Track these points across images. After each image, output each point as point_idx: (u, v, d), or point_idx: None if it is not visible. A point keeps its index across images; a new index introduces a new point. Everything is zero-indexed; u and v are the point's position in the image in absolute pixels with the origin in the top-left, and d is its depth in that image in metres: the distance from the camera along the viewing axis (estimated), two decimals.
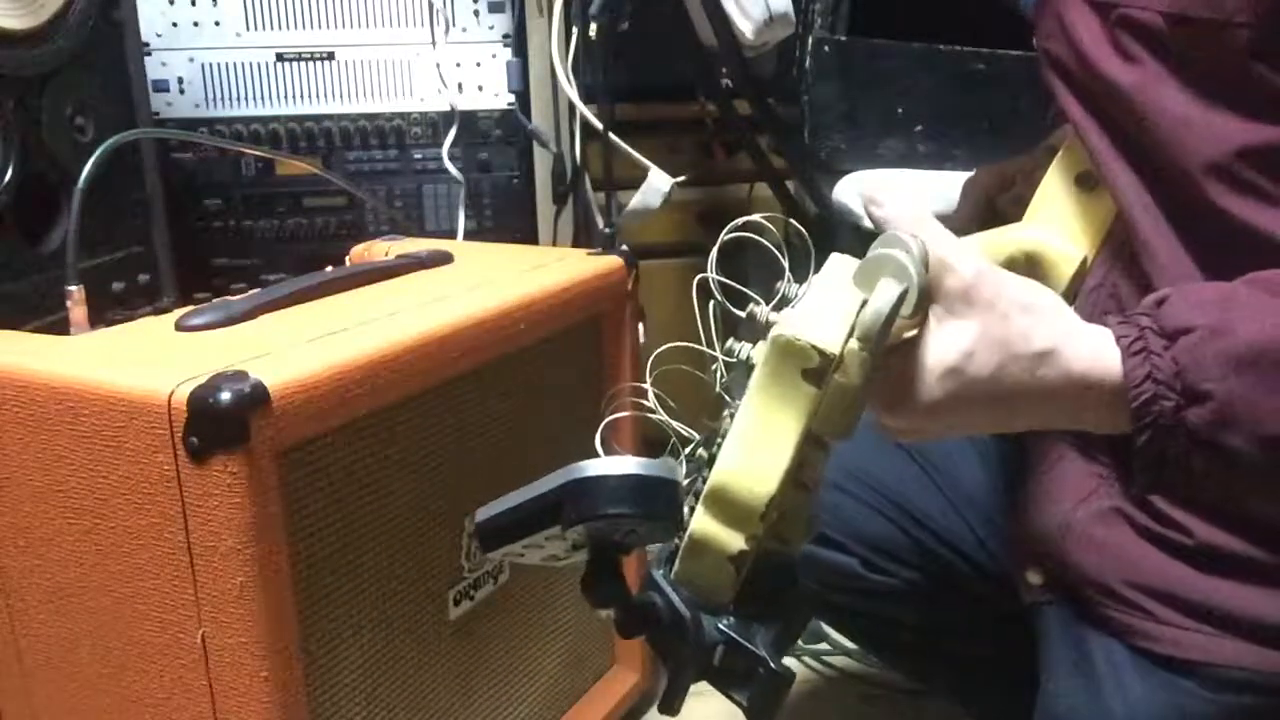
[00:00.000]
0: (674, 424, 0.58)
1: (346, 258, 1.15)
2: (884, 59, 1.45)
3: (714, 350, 0.58)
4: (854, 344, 0.52)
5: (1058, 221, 0.76)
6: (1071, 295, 0.75)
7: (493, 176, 1.54)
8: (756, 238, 0.62)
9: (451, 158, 1.49)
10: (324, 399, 0.75)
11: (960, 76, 1.41)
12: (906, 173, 1.43)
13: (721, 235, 0.61)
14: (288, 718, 0.75)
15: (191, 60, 1.48)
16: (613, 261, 1.09)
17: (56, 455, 0.75)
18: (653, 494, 0.50)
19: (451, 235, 1.50)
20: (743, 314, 0.57)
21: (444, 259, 1.08)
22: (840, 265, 0.57)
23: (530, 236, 1.57)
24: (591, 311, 1.06)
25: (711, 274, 0.60)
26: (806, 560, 0.95)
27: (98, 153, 1.02)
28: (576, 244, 1.60)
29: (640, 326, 1.16)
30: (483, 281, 0.99)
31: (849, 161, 1.47)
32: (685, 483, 0.52)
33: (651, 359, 0.61)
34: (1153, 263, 0.68)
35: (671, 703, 0.53)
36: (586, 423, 1.13)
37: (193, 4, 1.46)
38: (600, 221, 1.58)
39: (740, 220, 0.62)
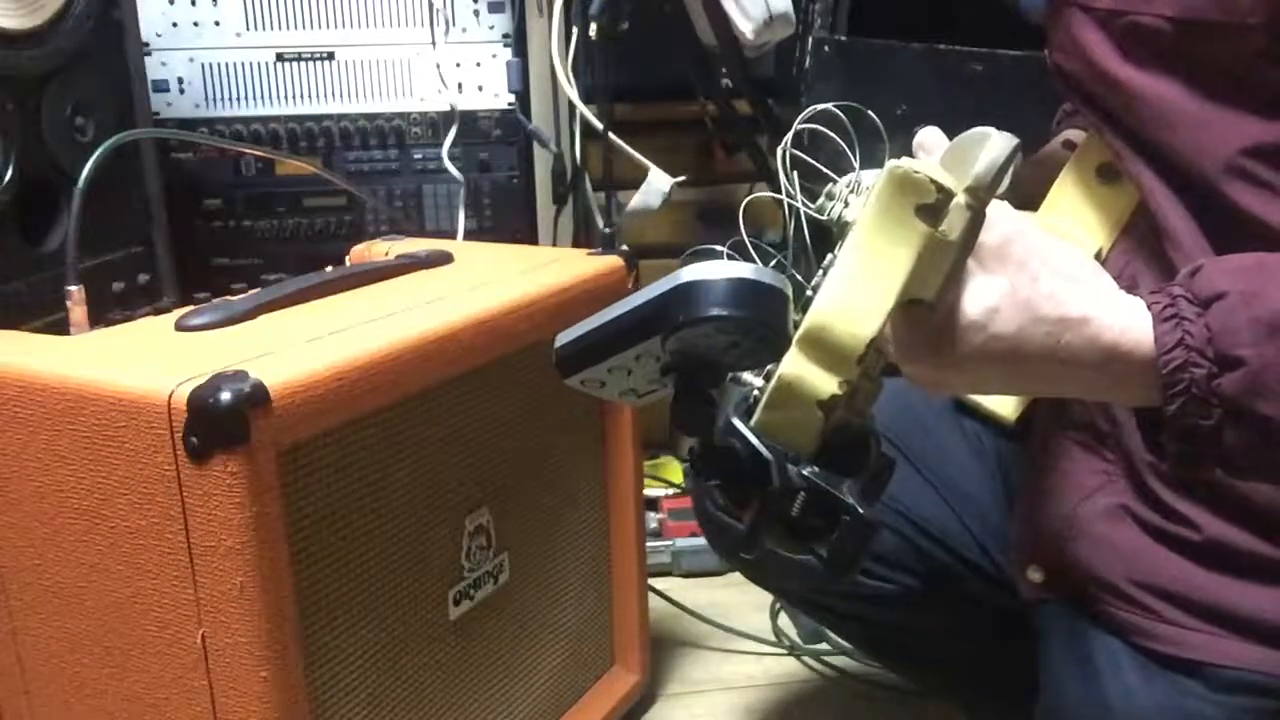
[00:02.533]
0: (764, 270, 0.56)
1: (346, 258, 1.15)
2: (884, 59, 1.45)
3: (795, 201, 0.56)
4: (961, 198, 0.51)
5: (1074, 211, 0.76)
6: None
7: (493, 176, 1.54)
8: (825, 130, 0.61)
9: (451, 158, 1.49)
10: (324, 399, 0.75)
11: (960, 76, 1.41)
12: None
13: (796, 123, 0.60)
14: (288, 718, 0.74)
15: (191, 60, 1.48)
16: (613, 261, 1.09)
17: (57, 455, 0.75)
18: (762, 299, 0.47)
19: (451, 235, 1.50)
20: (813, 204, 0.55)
21: (444, 259, 1.08)
22: (914, 159, 0.55)
23: (530, 236, 1.57)
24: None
25: (787, 148, 0.58)
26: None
27: (98, 153, 1.02)
28: (576, 244, 1.60)
29: None
30: (483, 281, 0.99)
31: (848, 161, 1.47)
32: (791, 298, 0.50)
33: (742, 208, 0.59)
34: (1179, 253, 0.68)
35: (752, 546, 0.50)
36: (586, 423, 1.13)
37: (193, 4, 1.46)
38: (600, 221, 1.58)
39: (818, 107, 0.61)
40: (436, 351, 0.85)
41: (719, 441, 0.50)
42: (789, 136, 0.58)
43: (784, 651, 1.35)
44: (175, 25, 1.47)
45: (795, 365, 0.49)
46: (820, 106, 0.61)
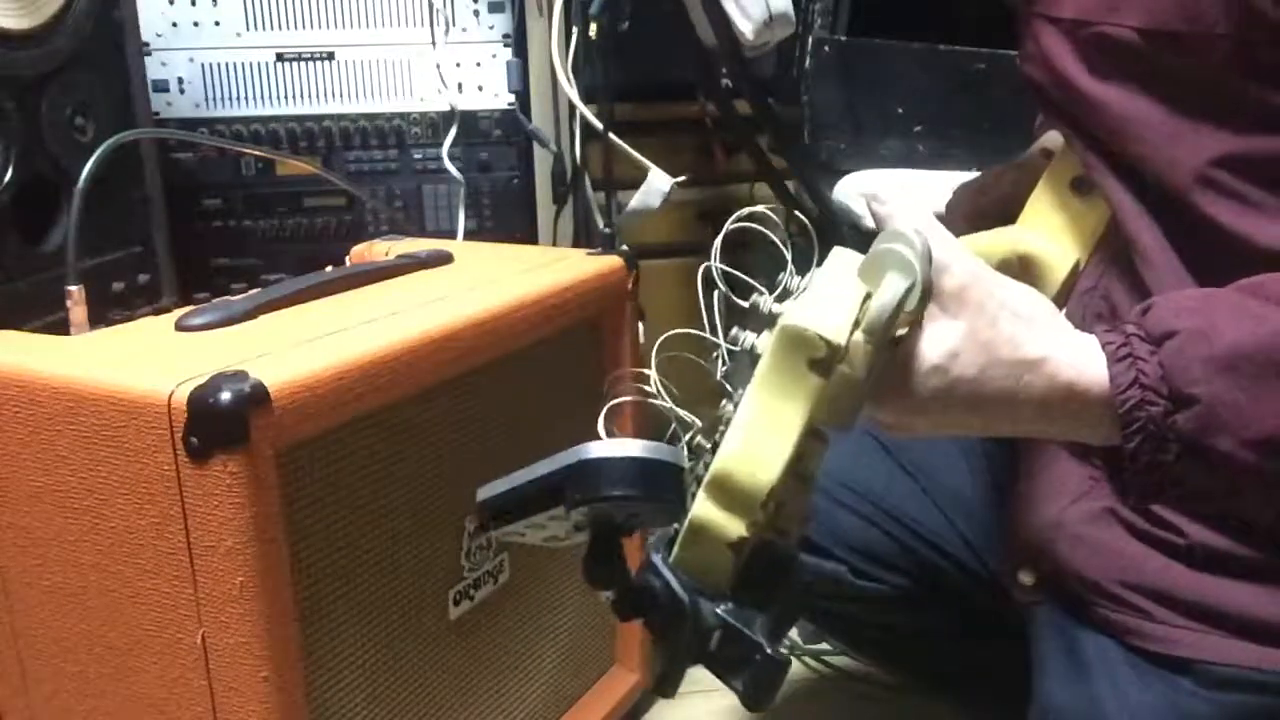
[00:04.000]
0: (676, 410, 0.58)
1: (346, 258, 1.15)
2: (884, 59, 1.45)
3: (718, 338, 0.58)
4: (859, 336, 0.52)
5: (1051, 225, 0.77)
6: (1063, 298, 0.75)
7: (493, 176, 1.54)
8: (760, 228, 0.62)
9: (451, 158, 1.49)
10: (324, 399, 0.75)
11: (960, 76, 1.41)
12: (906, 173, 1.43)
13: (725, 225, 0.61)
14: (288, 718, 0.75)
15: (191, 60, 1.48)
16: (613, 261, 1.09)
17: (56, 455, 0.76)
18: (656, 477, 0.50)
19: (451, 235, 1.50)
20: (746, 304, 0.57)
21: (444, 259, 1.08)
22: (843, 259, 0.57)
23: (530, 236, 1.57)
24: (591, 311, 1.07)
25: (715, 264, 0.60)
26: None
27: (98, 153, 1.02)
28: (576, 244, 1.60)
29: (640, 326, 1.16)
30: (483, 281, 0.99)
31: (849, 161, 1.47)
32: (687, 468, 0.52)
33: (656, 346, 0.61)
34: (1149, 268, 0.68)
35: (665, 687, 0.53)
36: (587, 423, 1.13)
37: (193, 4, 1.46)
38: (600, 221, 1.58)
39: (745, 211, 0.63)
40: (436, 351, 0.85)
41: (636, 580, 0.53)
42: (716, 248, 0.59)
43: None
44: (175, 25, 1.47)
45: (703, 509, 0.52)
46: (749, 210, 0.63)
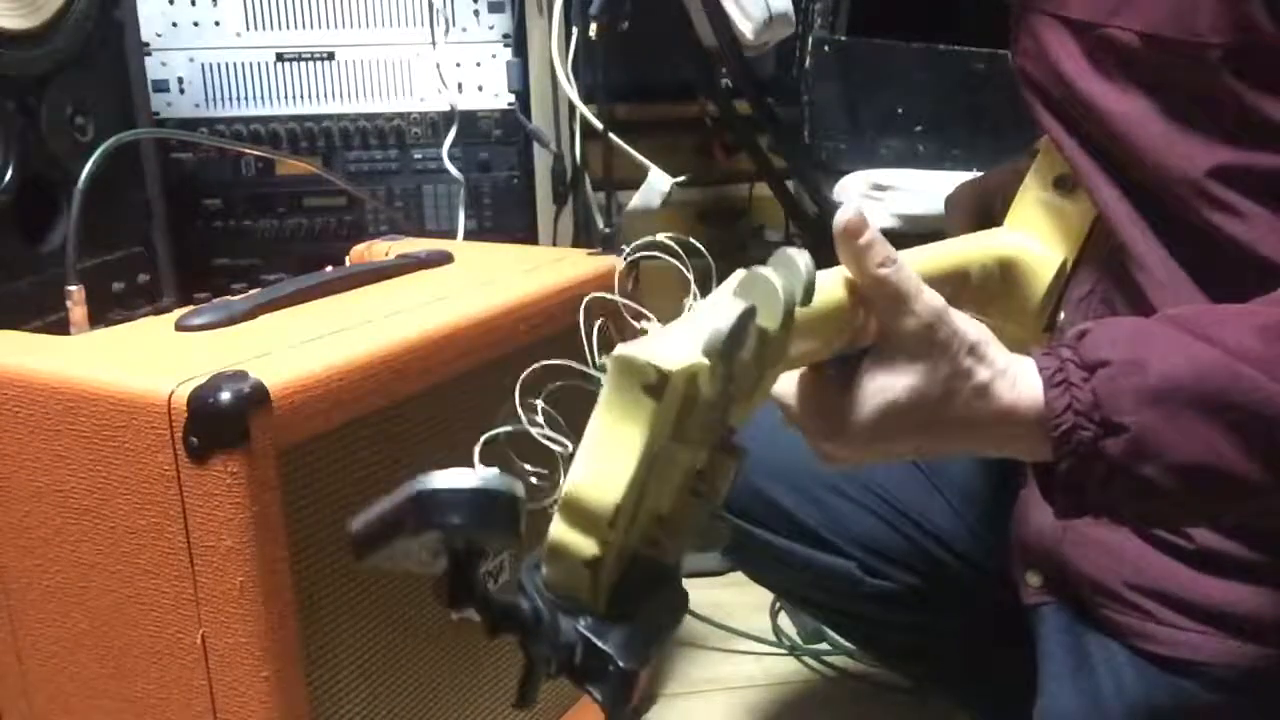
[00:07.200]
0: (546, 432, 0.60)
1: (346, 258, 1.15)
2: (884, 59, 1.45)
3: (590, 369, 0.60)
4: (704, 360, 0.54)
5: (1036, 225, 0.77)
6: (1052, 298, 0.75)
7: (493, 176, 1.54)
8: (660, 256, 0.64)
9: (451, 158, 1.49)
10: (324, 399, 0.75)
11: (960, 76, 1.41)
12: (906, 173, 1.43)
13: (626, 255, 0.63)
14: (288, 718, 0.75)
15: (191, 60, 1.48)
16: (613, 261, 1.09)
17: (56, 455, 0.76)
18: (487, 507, 0.52)
19: (451, 235, 1.50)
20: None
21: (444, 259, 1.08)
22: (733, 281, 0.58)
23: (530, 236, 1.57)
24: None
25: (618, 297, 0.62)
26: (804, 564, 0.96)
27: (98, 153, 1.02)
28: (576, 244, 1.60)
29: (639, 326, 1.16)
30: (482, 281, 0.99)
31: (849, 161, 1.47)
32: (521, 497, 0.54)
33: (522, 378, 0.62)
34: (1144, 273, 0.68)
35: (525, 697, 0.55)
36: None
37: (193, 4, 1.47)
38: (600, 221, 1.58)
39: (643, 240, 0.65)
40: (436, 351, 0.85)
41: (500, 600, 0.55)
42: (617, 277, 0.61)
43: (784, 651, 1.35)
44: (175, 25, 1.47)
45: (557, 530, 0.55)
46: (649, 238, 0.64)
